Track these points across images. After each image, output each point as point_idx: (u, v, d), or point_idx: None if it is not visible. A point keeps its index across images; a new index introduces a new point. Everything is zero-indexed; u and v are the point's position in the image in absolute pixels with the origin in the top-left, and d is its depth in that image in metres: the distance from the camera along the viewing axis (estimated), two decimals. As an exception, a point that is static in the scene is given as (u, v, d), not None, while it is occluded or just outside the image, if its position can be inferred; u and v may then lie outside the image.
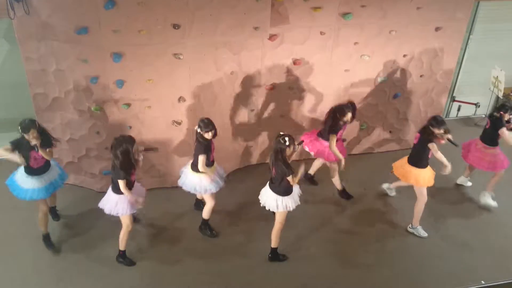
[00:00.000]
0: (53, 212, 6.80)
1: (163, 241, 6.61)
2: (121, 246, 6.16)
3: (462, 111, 9.85)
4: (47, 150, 5.92)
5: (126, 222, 5.96)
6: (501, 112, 6.76)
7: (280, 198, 5.90)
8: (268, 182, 6.00)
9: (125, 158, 5.52)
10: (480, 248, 6.68)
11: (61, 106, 6.77)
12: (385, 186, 7.37)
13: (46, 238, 6.39)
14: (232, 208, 7.08)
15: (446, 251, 6.61)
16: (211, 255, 6.42)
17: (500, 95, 9.20)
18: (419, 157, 6.45)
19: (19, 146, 5.80)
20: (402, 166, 6.63)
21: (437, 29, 7.62)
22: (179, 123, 6.99)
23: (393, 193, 7.38)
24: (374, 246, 6.67)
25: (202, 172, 6.12)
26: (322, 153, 6.92)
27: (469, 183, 7.71)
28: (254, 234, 6.76)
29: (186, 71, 6.60)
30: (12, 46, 7.08)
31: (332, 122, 6.70)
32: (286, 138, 5.58)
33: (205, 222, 6.64)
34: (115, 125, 6.79)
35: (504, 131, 6.72)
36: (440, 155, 6.25)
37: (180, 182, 6.41)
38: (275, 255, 6.36)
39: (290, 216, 6.97)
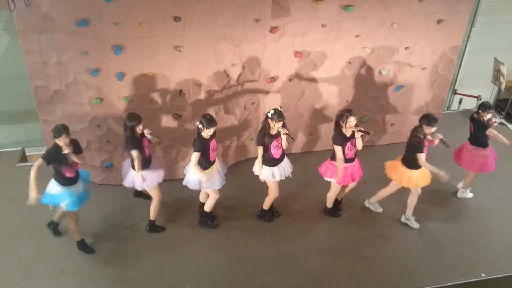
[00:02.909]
0: (55, 227, 6.54)
1: (163, 234, 6.64)
2: (152, 217, 6.53)
3: (463, 104, 9.84)
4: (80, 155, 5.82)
5: (156, 194, 6.32)
6: (479, 111, 6.57)
7: (265, 167, 6.26)
8: None
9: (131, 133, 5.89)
10: (480, 241, 6.69)
11: (62, 99, 6.77)
12: (366, 203, 7.20)
13: (82, 244, 6.30)
14: (233, 201, 7.09)
15: (446, 244, 6.62)
16: (211, 248, 6.44)
17: (502, 87, 9.18)
18: (412, 159, 6.27)
19: (52, 158, 5.58)
20: (395, 167, 6.50)
21: (439, 21, 7.58)
22: (180, 116, 6.99)
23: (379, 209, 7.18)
24: (374, 239, 6.69)
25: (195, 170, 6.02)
26: None
27: (471, 194, 7.46)
28: (255, 227, 6.78)
29: (187, 63, 6.59)
30: (12, 38, 7.07)
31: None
32: (272, 111, 5.99)
33: (206, 215, 6.65)
34: (116, 118, 6.79)
35: (491, 131, 6.53)
36: (428, 166, 6.13)
37: (184, 181, 6.32)
38: (263, 215, 6.83)
39: (292, 210, 6.99)
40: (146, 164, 6.16)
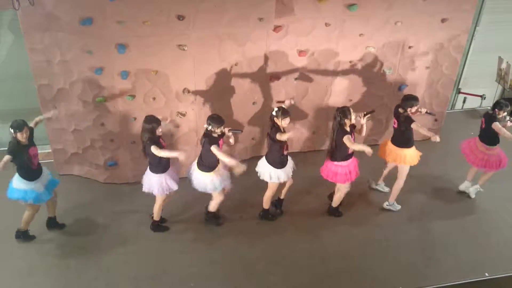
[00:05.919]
0: (54, 223, 6.62)
1: (167, 232, 6.65)
2: (156, 217, 6.53)
3: (467, 103, 9.81)
4: None
5: (160, 196, 6.28)
6: (496, 110, 6.57)
7: (273, 170, 6.31)
8: (265, 154, 6.45)
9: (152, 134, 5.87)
10: (484, 240, 6.68)
11: (66, 97, 6.78)
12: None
13: (26, 234, 6.41)
14: (237, 199, 7.09)
15: (450, 243, 6.62)
16: (215, 247, 6.46)
17: (507, 86, 9.15)
18: (405, 138, 6.59)
19: (15, 151, 5.71)
20: (390, 149, 6.77)
21: (443, 20, 7.56)
22: (184, 115, 7.00)
23: (385, 189, 7.36)
24: (377, 239, 6.68)
25: (213, 171, 6.14)
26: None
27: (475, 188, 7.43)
28: (258, 226, 6.79)
29: (191, 62, 6.59)
30: (16, 37, 7.08)
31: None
32: (276, 108, 6.13)
33: (212, 214, 6.67)
34: (120, 117, 6.80)
35: (496, 124, 6.52)
36: (424, 130, 6.35)
37: (194, 184, 6.34)
38: (266, 214, 6.86)
39: (295, 209, 6.97)
40: (165, 167, 6.13)
